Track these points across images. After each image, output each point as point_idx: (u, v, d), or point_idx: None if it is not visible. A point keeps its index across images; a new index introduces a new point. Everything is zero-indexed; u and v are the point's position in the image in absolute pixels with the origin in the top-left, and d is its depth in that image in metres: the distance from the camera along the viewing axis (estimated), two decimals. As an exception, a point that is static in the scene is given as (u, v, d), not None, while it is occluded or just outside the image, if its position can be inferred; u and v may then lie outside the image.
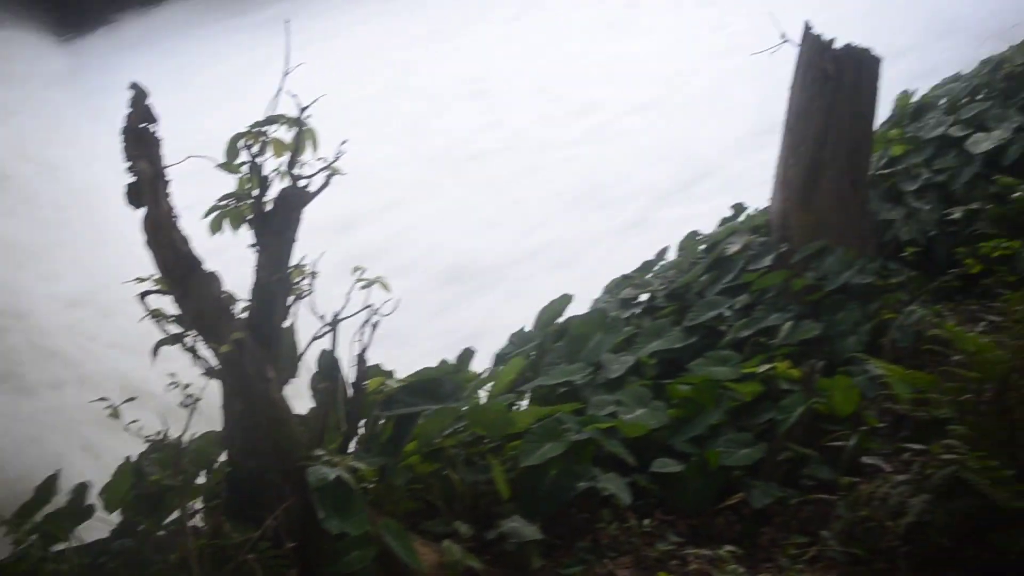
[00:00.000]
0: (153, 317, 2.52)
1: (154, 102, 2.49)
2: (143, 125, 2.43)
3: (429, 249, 8.29)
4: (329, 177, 2.66)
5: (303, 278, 2.63)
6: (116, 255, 7.41)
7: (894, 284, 4.14)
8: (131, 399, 2.42)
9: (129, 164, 2.44)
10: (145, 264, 2.53)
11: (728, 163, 8.50)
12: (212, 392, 2.59)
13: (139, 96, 2.44)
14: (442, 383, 2.97)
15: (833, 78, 4.32)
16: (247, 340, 2.44)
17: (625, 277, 4.91)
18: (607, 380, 3.69)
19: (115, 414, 2.38)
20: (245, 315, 2.57)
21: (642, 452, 3.25)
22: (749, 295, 4.17)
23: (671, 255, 5.00)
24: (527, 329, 4.21)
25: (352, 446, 2.86)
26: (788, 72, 4.49)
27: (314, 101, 2.74)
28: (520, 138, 9.81)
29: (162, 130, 2.50)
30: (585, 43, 11.78)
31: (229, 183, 2.69)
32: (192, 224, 2.60)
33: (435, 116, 10.72)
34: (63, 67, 14.25)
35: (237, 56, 13.49)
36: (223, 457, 2.69)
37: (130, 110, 2.44)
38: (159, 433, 2.60)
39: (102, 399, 2.43)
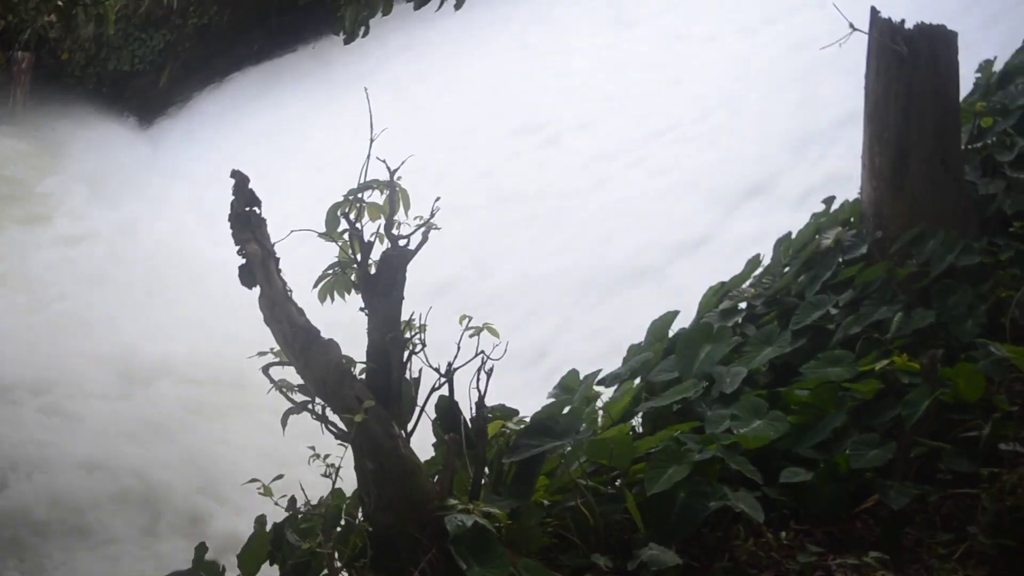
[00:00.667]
0: (278, 388, 2.63)
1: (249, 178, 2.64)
2: (248, 208, 2.56)
3: (533, 277, 8.29)
4: (426, 234, 2.75)
5: (415, 333, 2.71)
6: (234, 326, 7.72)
7: (1004, 260, 4.00)
8: (279, 477, 2.53)
9: (239, 247, 2.57)
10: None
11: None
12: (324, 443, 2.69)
13: (241, 182, 2.57)
14: (559, 420, 3.00)
15: (908, 60, 4.23)
16: (368, 398, 2.52)
17: (722, 284, 4.87)
18: (721, 394, 3.67)
19: (267, 492, 2.49)
20: (364, 376, 2.66)
21: (767, 464, 3.21)
22: (853, 290, 4.08)
23: (765, 260, 4.93)
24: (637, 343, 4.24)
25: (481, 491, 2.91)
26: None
27: (402, 164, 2.84)
28: (608, 163, 9.73)
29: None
30: (647, 59, 11.67)
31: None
32: (303, 294, 2.72)
33: (509, 158, 10.75)
34: (149, 152, 15.13)
35: (313, 121, 13.92)
36: (359, 516, 2.78)
37: (234, 197, 2.57)
38: (293, 498, 2.71)
39: (254, 480, 2.55)
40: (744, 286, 4.77)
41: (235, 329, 7.63)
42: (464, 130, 11.37)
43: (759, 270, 4.85)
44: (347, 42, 5.46)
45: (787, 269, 4.55)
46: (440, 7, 5.53)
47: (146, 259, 10.79)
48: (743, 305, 4.65)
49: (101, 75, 17.05)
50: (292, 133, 14.05)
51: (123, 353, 8.24)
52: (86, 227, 11.97)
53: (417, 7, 5.56)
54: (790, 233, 4.90)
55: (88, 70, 17.01)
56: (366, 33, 5.57)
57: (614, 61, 11.72)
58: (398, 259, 2.67)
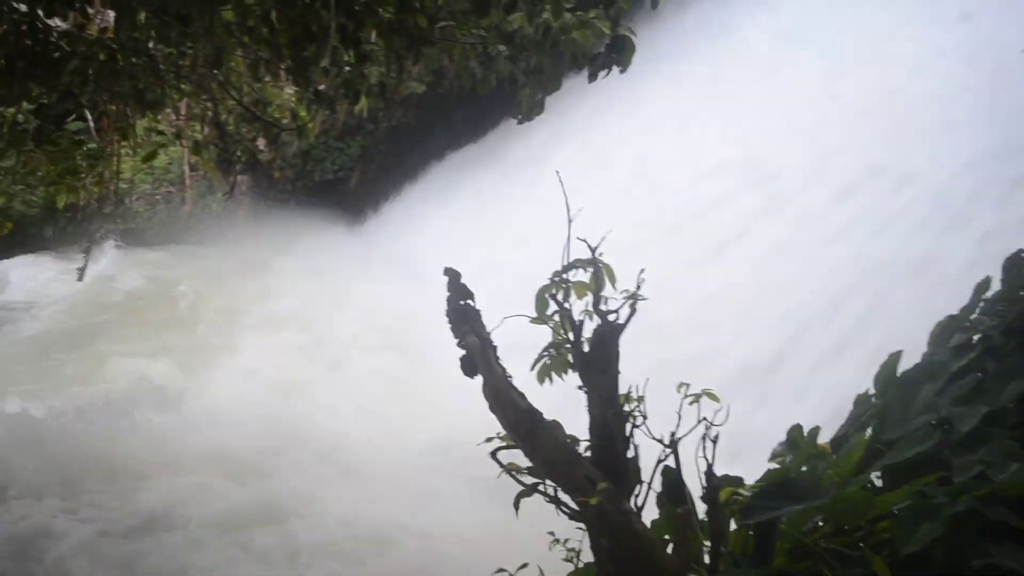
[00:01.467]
0: (508, 472, 2.71)
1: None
2: (463, 302, 2.69)
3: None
4: (634, 306, 2.77)
5: (635, 406, 2.72)
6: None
7: None
8: (524, 566, 2.59)
9: (458, 340, 2.70)
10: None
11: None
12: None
13: (454, 277, 2.71)
14: (797, 480, 2.88)
15: None
16: (599, 477, 2.54)
17: (951, 317, 4.54)
18: (964, 438, 3.39)
19: None
20: (589, 454, 2.69)
21: (1030, 511, 2.93)
22: (1108, 309, 3.69)
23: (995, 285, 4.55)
24: (864, 391, 4.00)
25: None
26: None
27: (601, 240, 2.90)
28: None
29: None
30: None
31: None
32: (519, 374, 2.81)
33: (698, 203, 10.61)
34: (363, 249, 16.36)
35: (505, 201, 14.47)
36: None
37: (449, 292, 2.72)
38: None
39: (501, 571, 2.63)
40: (975, 316, 4.44)
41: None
42: (654, 183, 11.27)
43: (989, 293, 4.49)
44: (521, 122, 5.68)
45: (1024, 292, 4.18)
46: (607, 74, 5.64)
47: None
48: (977, 337, 4.31)
49: (308, 186, 18.58)
50: (486, 214, 14.65)
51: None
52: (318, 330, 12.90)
53: (591, 80, 5.69)
54: (1020, 251, 4.52)
55: (297, 183, 18.58)
56: (540, 112, 5.76)
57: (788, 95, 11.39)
58: (609, 334, 2.70)
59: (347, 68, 6.44)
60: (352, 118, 17.87)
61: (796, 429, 3.84)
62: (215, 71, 6.99)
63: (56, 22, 6.19)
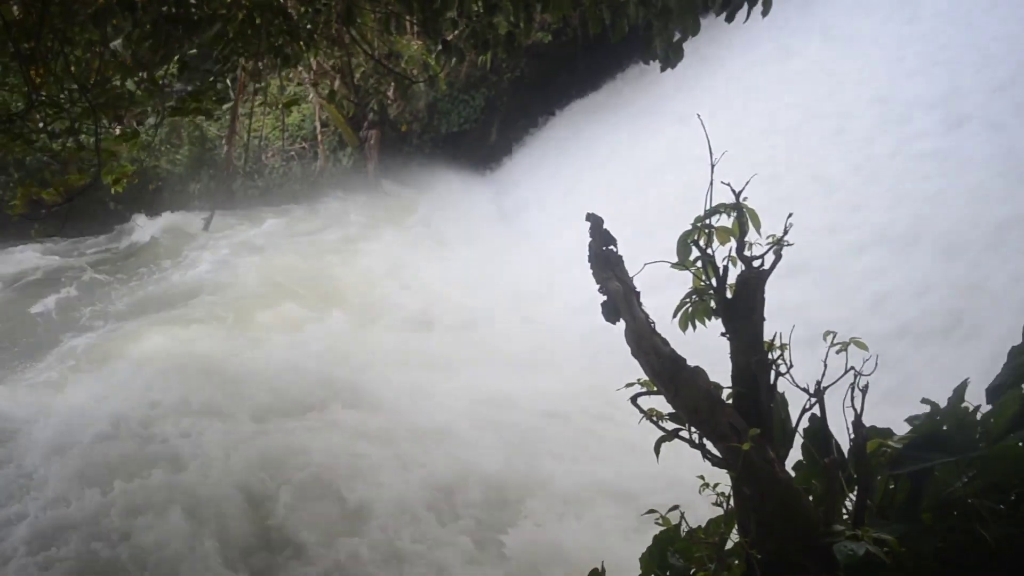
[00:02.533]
0: (648, 417, 2.71)
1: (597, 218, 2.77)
2: (605, 248, 2.68)
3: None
4: (779, 252, 2.70)
5: (779, 354, 2.66)
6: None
7: None
8: (675, 508, 2.60)
9: (600, 286, 2.70)
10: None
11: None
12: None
13: (596, 224, 2.70)
14: (951, 433, 2.77)
15: None
16: (743, 424, 2.51)
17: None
18: None
19: (666, 522, 2.58)
20: (732, 401, 2.66)
21: None
22: None
23: None
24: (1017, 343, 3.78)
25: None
26: None
27: (746, 184, 2.83)
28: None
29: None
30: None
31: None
32: (662, 323, 2.79)
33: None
34: (489, 194, 16.61)
35: (628, 151, 14.31)
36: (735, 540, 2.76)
37: (591, 238, 2.71)
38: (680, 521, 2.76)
39: (652, 511, 2.66)
40: None
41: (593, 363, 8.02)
42: (794, 131, 10.87)
43: None
44: (664, 68, 5.50)
45: None
46: (748, 17, 5.43)
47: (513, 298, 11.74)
48: None
49: (435, 139, 18.82)
50: (611, 163, 14.53)
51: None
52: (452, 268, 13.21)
53: (729, 20, 5.48)
54: None
55: (424, 136, 18.85)
56: (680, 57, 5.59)
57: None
58: (754, 280, 2.65)
59: (475, 19, 6.44)
60: (476, 70, 17.92)
61: (960, 387, 3.66)
62: (348, 27, 7.12)
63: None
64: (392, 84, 15.80)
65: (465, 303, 11.70)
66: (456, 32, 6.73)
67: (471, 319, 11.24)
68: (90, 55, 6.32)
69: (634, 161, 14.00)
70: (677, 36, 5.44)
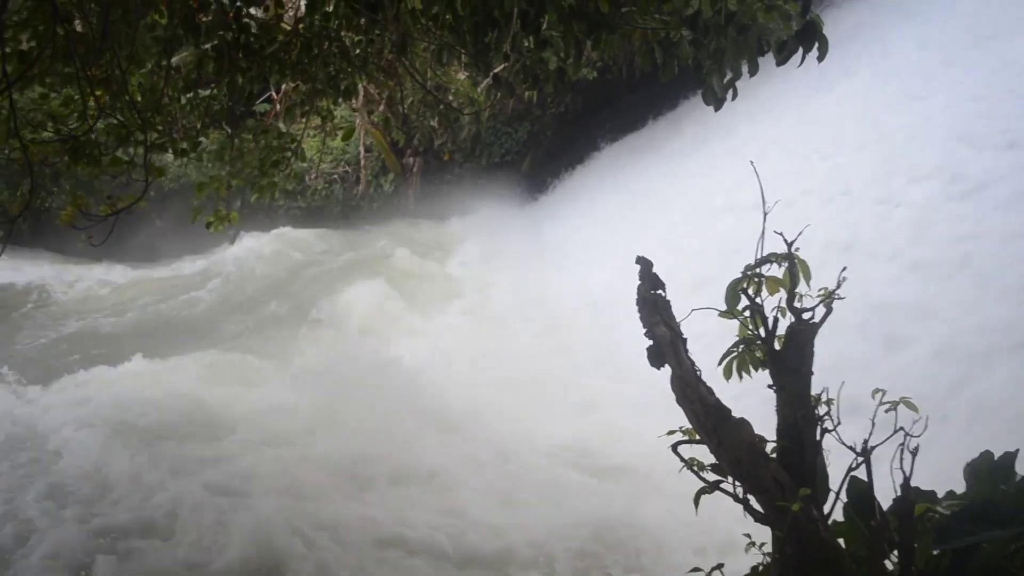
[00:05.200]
0: (689, 467, 2.66)
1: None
2: (654, 291, 2.66)
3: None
4: (830, 305, 2.65)
5: (827, 410, 2.61)
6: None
7: None
8: (719, 566, 2.55)
9: (647, 330, 2.67)
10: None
11: None
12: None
13: (646, 267, 2.68)
14: (1001, 504, 2.68)
15: None
16: (787, 479, 2.46)
17: None
18: None
19: None
20: (776, 455, 2.61)
21: None
22: None
23: None
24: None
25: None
26: None
27: (799, 235, 2.79)
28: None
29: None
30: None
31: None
32: (710, 372, 2.74)
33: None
34: (530, 230, 16.75)
35: (669, 189, 14.28)
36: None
37: (640, 281, 2.69)
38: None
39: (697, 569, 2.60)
40: None
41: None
42: (849, 179, 10.64)
43: None
44: (717, 108, 5.47)
45: None
46: (802, 62, 5.40)
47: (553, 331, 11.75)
48: None
49: (476, 169, 18.93)
50: (652, 200, 14.50)
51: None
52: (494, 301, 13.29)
53: (780, 64, 5.46)
54: None
55: (466, 166, 18.97)
56: (735, 96, 5.57)
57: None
58: (804, 334, 2.60)
59: (526, 53, 6.48)
60: (521, 104, 18.04)
61: (985, 455, 3.56)
62: (402, 57, 7.21)
63: (253, 11, 6.55)
64: (438, 115, 15.99)
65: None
66: (506, 66, 6.78)
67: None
68: (155, 77, 6.46)
69: (675, 202, 13.93)
70: (729, 76, 5.42)
